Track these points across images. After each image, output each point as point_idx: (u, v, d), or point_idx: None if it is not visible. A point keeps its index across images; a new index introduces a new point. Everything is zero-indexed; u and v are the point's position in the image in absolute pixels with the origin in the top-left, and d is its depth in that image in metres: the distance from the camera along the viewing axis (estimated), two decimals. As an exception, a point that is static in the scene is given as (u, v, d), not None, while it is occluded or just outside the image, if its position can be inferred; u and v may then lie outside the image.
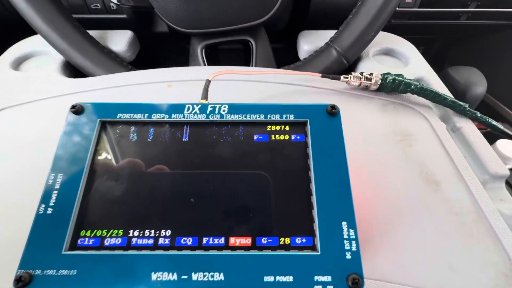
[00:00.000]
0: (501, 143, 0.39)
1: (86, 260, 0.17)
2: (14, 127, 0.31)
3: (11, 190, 0.26)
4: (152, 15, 0.54)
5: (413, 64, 0.41)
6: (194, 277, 0.17)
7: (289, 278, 0.17)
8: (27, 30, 0.40)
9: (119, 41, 0.44)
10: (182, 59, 0.49)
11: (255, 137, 0.22)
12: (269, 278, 0.17)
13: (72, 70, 0.40)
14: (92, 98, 0.34)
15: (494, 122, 0.34)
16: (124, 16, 0.50)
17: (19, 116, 0.32)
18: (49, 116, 0.32)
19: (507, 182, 0.39)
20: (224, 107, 0.22)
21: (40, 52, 0.41)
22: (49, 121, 0.32)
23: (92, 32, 0.42)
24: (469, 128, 0.33)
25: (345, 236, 0.18)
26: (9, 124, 0.31)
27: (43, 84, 0.35)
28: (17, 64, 0.40)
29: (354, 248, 0.18)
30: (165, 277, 0.17)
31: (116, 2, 0.42)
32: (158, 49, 0.62)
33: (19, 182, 0.27)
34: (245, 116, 0.22)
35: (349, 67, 0.41)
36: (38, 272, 0.17)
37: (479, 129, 0.35)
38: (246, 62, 0.45)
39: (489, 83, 0.53)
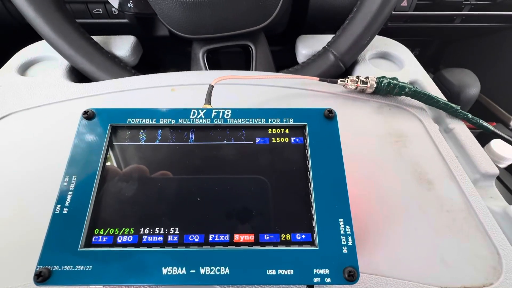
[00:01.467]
0: (495, 143, 0.40)
1: (100, 256, 0.19)
2: (22, 131, 0.32)
3: (19, 194, 0.27)
4: (153, 20, 0.55)
5: (408, 67, 0.42)
6: (202, 271, 0.18)
7: (290, 271, 0.19)
8: (31, 36, 0.41)
9: (123, 46, 0.45)
10: (183, 61, 0.51)
11: (257, 140, 0.23)
12: (271, 272, 0.19)
13: (77, 75, 0.41)
14: (98, 102, 0.35)
15: (485, 123, 0.35)
16: (125, 21, 0.51)
17: (26, 121, 0.33)
18: (56, 120, 0.33)
19: (499, 179, 0.40)
20: (228, 111, 0.24)
21: (46, 58, 0.42)
22: (56, 125, 0.33)
23: (96, 38, 0.43)
24: (461, 129, 0.35)
25: (342, 232, 0.20)
26: (16, 128, 0.32)
27: (49, 89, 0.36)
28: (24, 69, 0.41)
29: (350, 243, 0.19)
30: (174, 272, 0.18)
31: (119, 9, 0.44)
32: (159, 52, 0.63)
33: (27, 185, 0.28)
34: (248, 120, 0.23)
35: (346, 70, 0.42)
36: (56, 268, 0.18)
37: (471, 129, 0.36)
38: (246, 65, 0.46)
39: (483, 84, 0.54)
